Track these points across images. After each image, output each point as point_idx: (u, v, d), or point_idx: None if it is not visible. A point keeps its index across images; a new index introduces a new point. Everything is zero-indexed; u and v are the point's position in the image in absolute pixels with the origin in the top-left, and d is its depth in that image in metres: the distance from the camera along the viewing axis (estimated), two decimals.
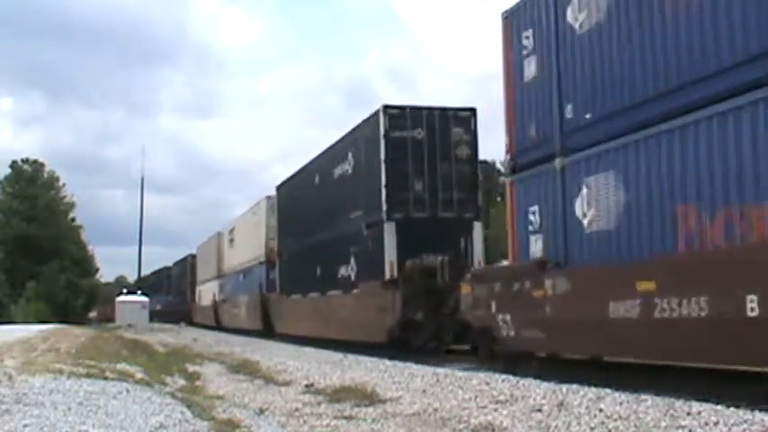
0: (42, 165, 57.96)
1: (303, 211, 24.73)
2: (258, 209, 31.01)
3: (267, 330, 28.34)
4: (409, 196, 17.26)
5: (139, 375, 11.63)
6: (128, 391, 8.69)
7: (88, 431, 5.91)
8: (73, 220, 59.65)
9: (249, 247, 32.02)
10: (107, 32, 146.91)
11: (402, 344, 16.51)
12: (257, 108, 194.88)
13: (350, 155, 19.73)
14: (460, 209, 17.48)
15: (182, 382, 13.02)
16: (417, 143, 17.40)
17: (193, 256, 51.56)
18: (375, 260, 17.44)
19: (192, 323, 49.33)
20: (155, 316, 59.39)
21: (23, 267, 50.34)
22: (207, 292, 43.92)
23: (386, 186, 17.21)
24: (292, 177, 26.80)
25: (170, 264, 64.80)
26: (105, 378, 9.96)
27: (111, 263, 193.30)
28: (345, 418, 8.14)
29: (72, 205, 59.40)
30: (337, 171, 20.73)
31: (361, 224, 18.51)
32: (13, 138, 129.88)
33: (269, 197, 29.53)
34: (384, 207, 17.20)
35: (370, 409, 8.68)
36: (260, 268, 29.97)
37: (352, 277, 19.16)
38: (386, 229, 17.08)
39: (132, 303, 52.41)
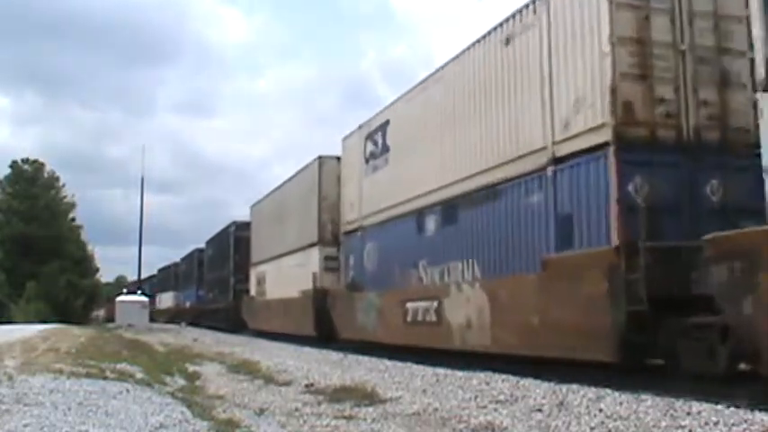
0: (42, 165, 57.76)
1: None
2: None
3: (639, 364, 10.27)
4: None
5: (139, 375, 11.62)
6: (128, 390, 8.69)
7: (88, 431, 5.91)
8: (73, 219, 59.51)
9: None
10: (105, 32, 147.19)
11: None
12: (256, 107, 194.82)
13: None
14: None
15: (182, 382, 13.00)
16: None
17: (240, 226, 34.14)
18: None
19: (237, 327, 33.08)
20: (181, 317, 55.63)
21: (23, 267, 50.23)
22: (280, 277, 25.82)
23: None
24: None
25: (179, 255, 58.41)
26: (105, 378, 9.95)
27: (111, 263, 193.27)
28: (345, 417, 8.13)
29: (72, 205, 59.26)
30: None
31: None
32: (11, 137, 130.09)
33: None
34: None
35: (370, 409, 8.68)
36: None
37: None
38: None
39: (132, 303, 52.29)
